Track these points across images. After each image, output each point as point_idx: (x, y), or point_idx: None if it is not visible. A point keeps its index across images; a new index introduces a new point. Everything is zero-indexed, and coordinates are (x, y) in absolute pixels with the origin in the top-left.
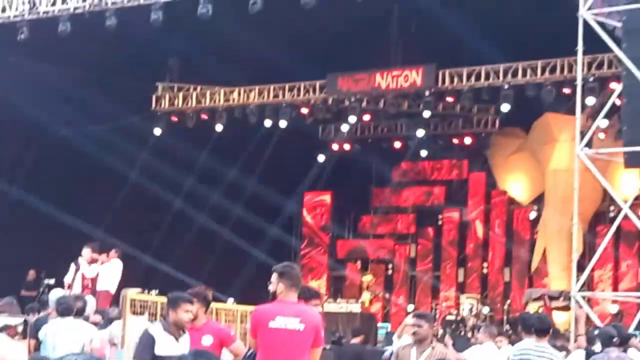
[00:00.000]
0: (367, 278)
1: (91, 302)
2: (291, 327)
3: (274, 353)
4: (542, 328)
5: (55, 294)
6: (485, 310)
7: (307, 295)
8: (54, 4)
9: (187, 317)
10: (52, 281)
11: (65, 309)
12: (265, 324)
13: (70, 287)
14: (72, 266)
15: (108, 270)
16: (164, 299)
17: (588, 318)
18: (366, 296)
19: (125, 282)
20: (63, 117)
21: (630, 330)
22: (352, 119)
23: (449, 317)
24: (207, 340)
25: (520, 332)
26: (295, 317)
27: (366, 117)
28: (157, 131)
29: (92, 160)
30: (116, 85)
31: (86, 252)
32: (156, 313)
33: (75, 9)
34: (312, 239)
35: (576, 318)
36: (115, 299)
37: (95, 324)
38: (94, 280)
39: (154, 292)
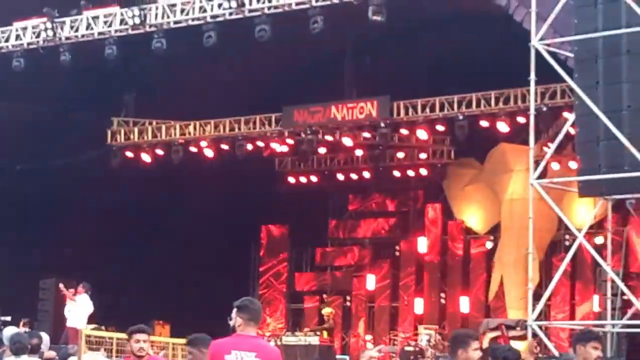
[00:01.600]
0: (327, 310)
1: (45, 338)
2: None
3: None
4: (512, 359)
5: (8, 331)
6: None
7: None
8: (7, 39)
9: (137, 346)
10: (8, 318)
11: (19, 348)
12: (221, 357)
13: None
14: None
15: (76, 307)
16: (120, 335)
17: (545, 346)
18: (327, 327)
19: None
20: (18, 154)
21: None
22: (308, 151)
23: (407, 348)
24: None
25: None
26: (251, 352)
27: (322, 150)
28: (113, 166)
29: (48, 196)
30: (71, 121)
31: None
32: (112, 349)
33: (29, 44)
34: (270, 272)
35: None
36: None
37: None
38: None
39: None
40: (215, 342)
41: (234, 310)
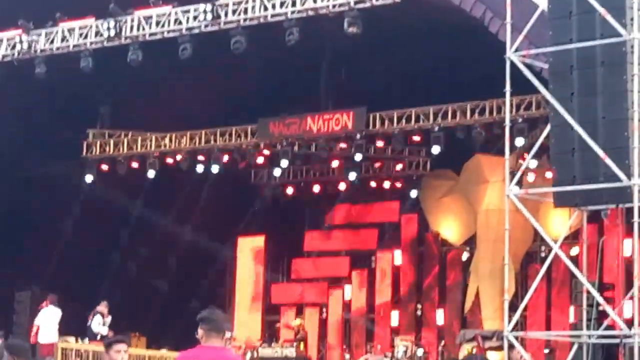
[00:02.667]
0: (296, 322)
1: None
2: None
3: None
4: None
5: None
6: (420, 352)
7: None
8: None
9: (119, 357)
10: None
11: None
12: None
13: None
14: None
15: (46, 320)
16: (97, 348)
17: (521, 357)
18: (298, 338)
19: (62, 332)
20: None
21: None
22: (284, 163)
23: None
24: None
25: None
26: None
27: (298, 161)
28: (88, 179)
29: (23, 207)
30: (46, 132)
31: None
32: None
33: (3, 56)
34: (246, 284)
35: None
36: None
37: None
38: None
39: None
40: (182, 354)
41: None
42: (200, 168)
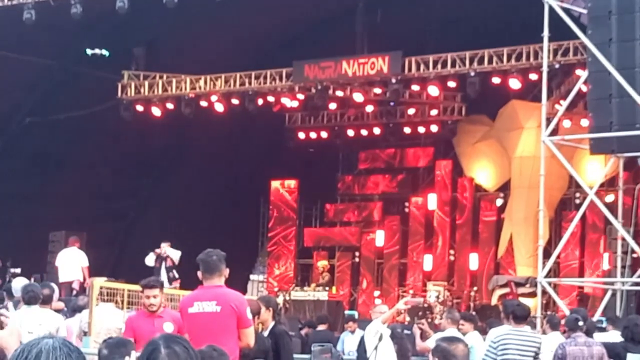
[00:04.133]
0: (322, 263)
1: (55, 290)
2: (208, 310)
3: (195, 337)
4: (521, 315)
5: (19, 282)
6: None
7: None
8: None
9: (148, 301)
10: (17, 270)
11: (32, 297)
12: (186, 311)
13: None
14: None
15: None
16: (131, 287)
17: (554, 303)
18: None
19: (94, 271)
20: (27, 107)
21: (596, 317)
22: (319, 106)
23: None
24: (168, 327)
25: (502, 319)
26: (211, 301)
27: (332, 105)
28: (123, 119)
29: (57, 149)
30: (81, 74)
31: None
32: (124, 300)
33: None
34: (279, 227)
35: None
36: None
37: (58, 311)
38: None
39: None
40: (183, 298)
41: None
42: (234, 110)
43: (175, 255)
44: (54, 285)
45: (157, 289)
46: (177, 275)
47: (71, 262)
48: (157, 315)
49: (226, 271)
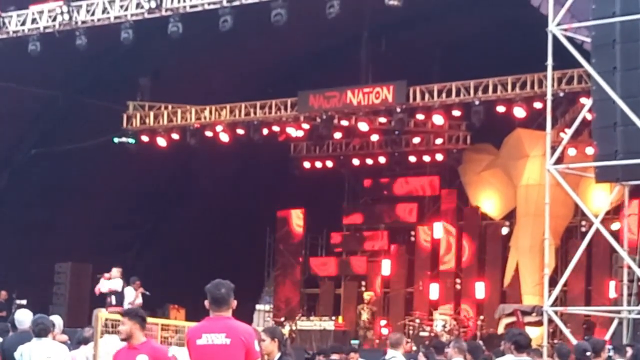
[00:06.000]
0: (369, 294)
1: (59, 322)
2: (217, 342)
3: None
4: (523, 344)
5: (22, 314)
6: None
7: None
8: (23, 23)
9: (119, 335)
10: (23, 302)
11: (42, 329)
12: (194, 342)
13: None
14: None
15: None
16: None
17: (561, 332)
18: (365, 314)
19: (99, 302)
20: (33, 138)
21: None
22: (324, 135)
23: (422, 334)
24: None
25: (504, 349)
26: (220, 333)
27: (338, 134)
28: (129, 150)
29: (63, 179)
30: (86, 105)
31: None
32: None
33: (45, 28)
34: (284, 257)
35: None
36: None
37: (62, 343)
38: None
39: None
40: (190, 328)
41: None
42: (239, 141)
43: (117, 284)
44: (56, 317)
45: (125, 317)
46: (114, 302)
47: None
48: (132, 347)
49: (234, 303)
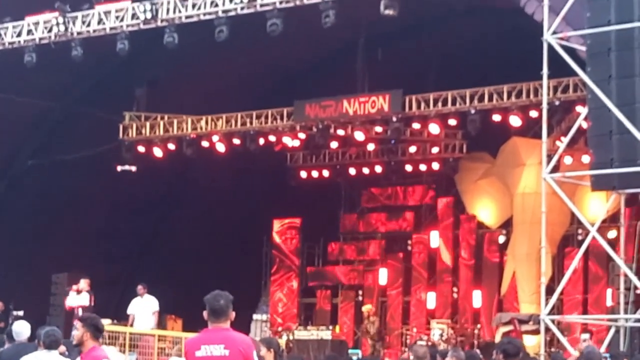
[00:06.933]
0: (367, 307)
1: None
2: (216, 354)
3: None
4: (512, 352)
5: (19, 326)
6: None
7: None
8: (19, 34)
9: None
10: (20, 313)
11: (53, 341)
12: (192, 354)
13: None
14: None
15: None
16: (133, 330)
17: (558, 341)
18: (372, 328)
19: (97, 313)
20: (29, 149)
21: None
22: (320, 145)
23: (419, 343)
24: None
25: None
26: (219, 344)
27: (334, 144)
28: (125, 160)
29: (60, 191)
30: (82, 115)
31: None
32: (125, 344)
33: (40, 39)
34: (281, 266)
35: None
36: None
37: (61, 353)
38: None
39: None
40: (188, 340)
41: None
42: (236, 150)
43: (84, 300)
44: (55, 328)
45: (79, 323)
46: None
47: (144, 311)
48: (82, 354)
49: (232, 314)
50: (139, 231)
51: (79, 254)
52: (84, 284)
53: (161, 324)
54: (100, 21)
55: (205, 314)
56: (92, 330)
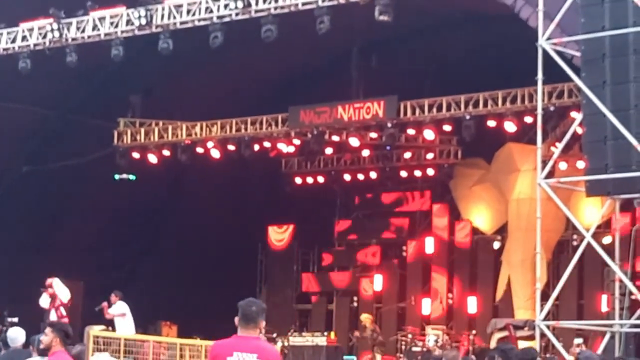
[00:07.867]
0: (365, 316)
1: None
2: None
3: None
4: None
5: (14, 332)
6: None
7: None
8: (13, 40)
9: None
10: (15, 319)
11: (45, 349)
12: (223, 358)
13: None
14: None
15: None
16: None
17: (553, 347)
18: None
19: (91, 319)
20: (24, 156)
21: None
22: (315, 151)
23: (414, 349)
24: None
25: None
26: (252, 353)
27: (329, 150)
28: (120, 167)
29: (55, 198)
30: (77, 122)
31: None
32: (119, 349)
33: (35, 45)
34: (276, 272)
35: None
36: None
37: None
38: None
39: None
40: (217, 344)
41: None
42: (230, 157)
43: (64, 293)
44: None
45: (49, 328)
46: (64, 313)
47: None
48: (48, 356)
49: (262, 323)
50: (133, 238)
51: (74, 260)
52: (49, 282)
53: (156, 330)
54: (94, 27)
55: (236, 319)
56: (62, 336)
